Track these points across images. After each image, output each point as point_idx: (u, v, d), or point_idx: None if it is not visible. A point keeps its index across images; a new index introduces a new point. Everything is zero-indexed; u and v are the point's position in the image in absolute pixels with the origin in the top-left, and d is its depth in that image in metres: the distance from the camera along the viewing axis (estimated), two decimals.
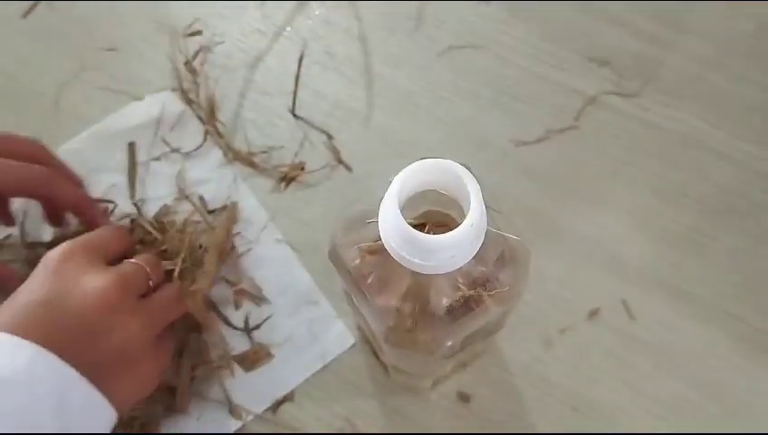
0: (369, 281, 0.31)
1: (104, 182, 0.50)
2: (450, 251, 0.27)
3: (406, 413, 0.44)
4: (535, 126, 0.52)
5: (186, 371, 0.44)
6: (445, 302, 0.31)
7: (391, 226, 0.27)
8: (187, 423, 0.44)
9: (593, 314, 0.46)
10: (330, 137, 0.52)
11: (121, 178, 0.51)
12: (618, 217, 0.49)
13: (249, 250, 0.49)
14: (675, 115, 0.51)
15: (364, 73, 0.54)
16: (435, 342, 0.32)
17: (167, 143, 0.52)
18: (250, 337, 0.46)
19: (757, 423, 0.44)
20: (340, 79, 0.54)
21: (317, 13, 0.56)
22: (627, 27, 0.54)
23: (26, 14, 0.57)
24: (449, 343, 0.32)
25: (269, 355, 0.46)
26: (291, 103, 0.53)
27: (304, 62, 0.54)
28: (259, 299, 0.47)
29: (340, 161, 0.51)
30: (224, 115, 0.53)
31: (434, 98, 0.53)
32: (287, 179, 0.50)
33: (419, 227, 0.29)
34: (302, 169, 0.51)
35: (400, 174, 0.28)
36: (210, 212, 0.50)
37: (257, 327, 0.46)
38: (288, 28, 0.56)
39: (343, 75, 0.54)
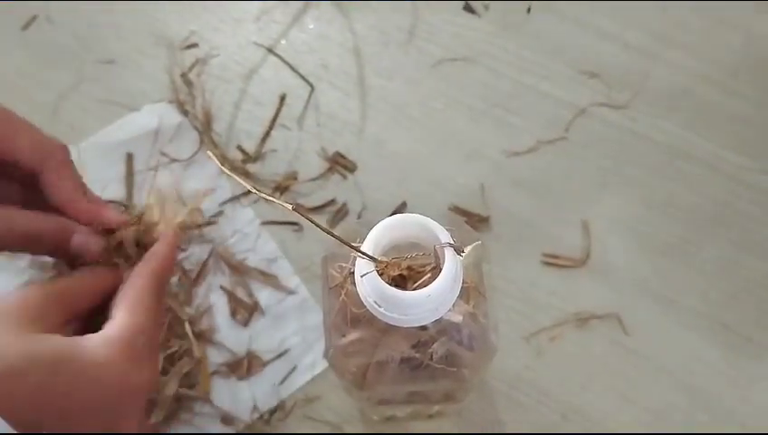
0: (340, 298, 0.30)
1: (102, 193, 0.51)
2: (426, 305, 0.27)
3: (395, 418, 0.45)
4: (526, 137, 0.52)
5: (174, 380, 0.44)
6: (395, 353, 0.31)
7: (368, 283, 0.27)
8: (178, 431, 0.44)
9: (583, 322, 0.47)
10: (323, 148, 0.53)
11: (119, 189, 0.51)
12: (607, 227, 0.50)
13: (245, 259, 0.49)
14: (663, 126, 0.52)
15: (357, 85, 0.55)
16: (366, 382, 0.32)
17: (164, 154, 0.52)
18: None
19: (745, 431, 0.44)
20: (334, 91, 0.55)
21: (311, 27, 0.57)
22: (616, 40, 0.55)
23: (26, 26, 0.58)
24: (381, 390, 0.32)
25: (262, 364, 0.46)
26: (283, 115, 0.54)
27: (299, 72, 0.55)
28: (253, 308, 0.48)
29: (335, 171, 0.52)
30: (219, 126, 0.54)
31: (426, 109, 0.54)
32: (281, 189, 0.51)
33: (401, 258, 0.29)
34: (296, 178, 0.52)
35: (373, 231, 0.27)
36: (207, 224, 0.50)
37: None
38: (283, 41, 0.57)
39: (337, 87, 0.55)
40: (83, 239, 0.36)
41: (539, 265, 0.49)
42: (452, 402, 0.40)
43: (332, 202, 0.51)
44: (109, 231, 0.37)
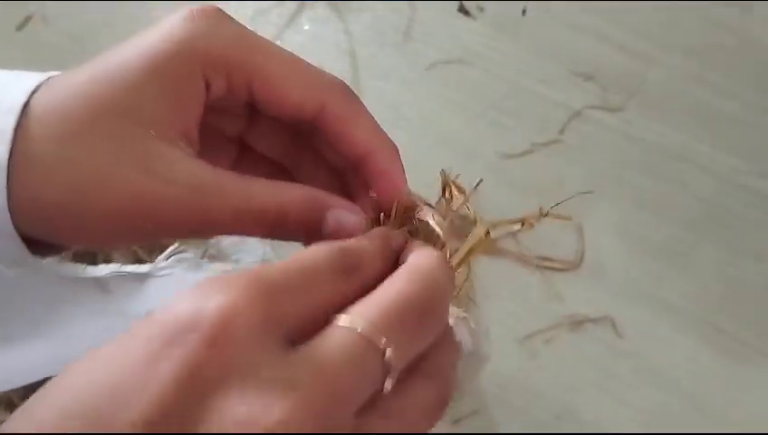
0: None
1: None
2: None
3: None
4: (521, 139, 0.52)
5: None
6: None
7: None
8: None
9: (577, 325, 0.47)
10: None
11: None
12: (601, 230, 0.49)
13: (238, 260, 0.49)
14: (658, 129, 0.52)
15: (352, 86, 0.55)
16: None
17: None
18: None
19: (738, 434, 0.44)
20: None
21: (306, 27, 0.57)
22: (611, 42, 0.55)
23: (21, 26, 0.58)
24: None
25: None
26: None
27: None
28: None
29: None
30: None
31: (421, 111, 0.54)
32: None
33: None
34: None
35: None
36: None
37: None
38: (278, 42, 0.57)
39: None
40: (347, 219, 0.24)
41: (533, 267, 0.48)
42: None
43: None
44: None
